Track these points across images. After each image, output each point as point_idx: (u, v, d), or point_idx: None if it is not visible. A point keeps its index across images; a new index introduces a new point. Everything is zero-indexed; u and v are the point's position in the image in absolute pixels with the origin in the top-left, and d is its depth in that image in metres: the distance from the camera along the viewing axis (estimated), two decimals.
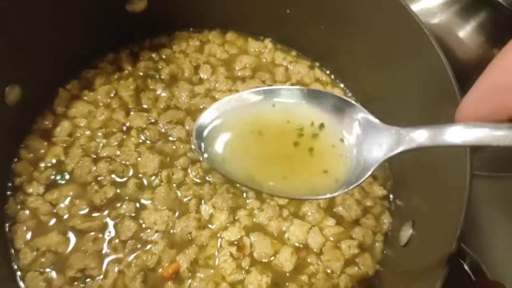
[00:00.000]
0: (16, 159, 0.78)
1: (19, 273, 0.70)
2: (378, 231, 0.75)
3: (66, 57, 0.81)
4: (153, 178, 0.77)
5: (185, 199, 0.75)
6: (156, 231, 0.73)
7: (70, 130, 0.80)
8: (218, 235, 0.73)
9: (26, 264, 0.70)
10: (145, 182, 0.77)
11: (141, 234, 0.72)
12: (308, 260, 0.73)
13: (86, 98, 0.84)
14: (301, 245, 0.73)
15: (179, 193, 0.76)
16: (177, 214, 0.74)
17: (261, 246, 0.72)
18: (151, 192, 0.76)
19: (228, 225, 0.74)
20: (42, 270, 0.70)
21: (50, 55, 0.77)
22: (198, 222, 0.73)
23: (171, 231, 0.73)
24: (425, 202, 0.68)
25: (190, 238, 0.72)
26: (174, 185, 0.76)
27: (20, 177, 0.76)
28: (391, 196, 0.78)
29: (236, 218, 0.75)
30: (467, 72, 0.95)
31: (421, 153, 0.69)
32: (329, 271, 0.72)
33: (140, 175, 0.77)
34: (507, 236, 0.83)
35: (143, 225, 0.73)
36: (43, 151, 0.79)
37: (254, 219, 0.75)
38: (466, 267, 0.58)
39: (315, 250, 0.73)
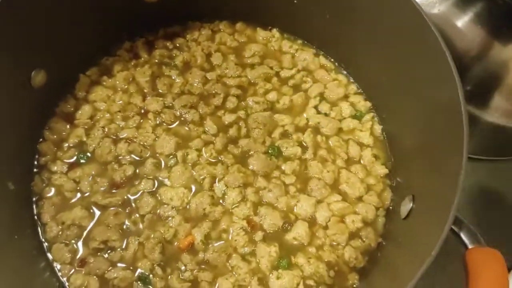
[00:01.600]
0: (40, 140, 0.83)
1: (46, 244, 0.76)
2: (380, 206, 0.80)
3: (86, 45, 0.86)
4: (169, 158, 0.82)
5: (200, 178, 0.80)
6: (173, 207, 0.78)
7: (90, 113, 0.86)
8: (230, 210, 0.78)
9: (52, 237, 0.76)
10: (162, 161, 0.82)
11: (159, 209, 0.78)
12: (316, 234, 0.78)
13: (105, 83, 0.89)
14: (310, 219, 0.78)
15: (194, 172, 0.81)
16: (192, 191, 0.79)
17: (271, 218, 0.77)
18: (167, 171, 0.81)
19: (239, 201, 0.79)
20: (67, 242, 0.75)
21: (72, 43, 0.82)
22: (211, 199, 0.78)
23: (187, 206, 0.78)
24: (424, 179, 0.72)
25: (204, 213, 0.78)
26: (189, 164, 0.81)
27: (44, 157, 0.82)
28: (392, 174, 0.83)
29: (247, 195, 0.79)
30: (465, 61, 1.00)
31: (419, 137, 0.76)
32: (334, 243, 0.77)
33: (157, 155, 0.82)
34: (502, 213, 0.88)
35: (161, 201, 0.78)
36: (65, 132, 0.84)
37: (263, 198, 0.80)
38: (462, 236, 0.62)
39: (322, 224, 0.78)
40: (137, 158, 0.82)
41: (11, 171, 0.74)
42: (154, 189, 0.79)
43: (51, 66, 0.80)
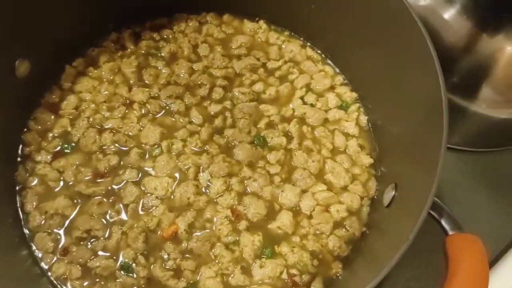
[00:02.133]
0: (25, 130, 0.83)
1: (28, 233, 0.76)
2: (365, 196, 0.80)
3: (72, 36, 0.86)
4: (154, 148, 0.82)
5: (184, 167, 0.80)
6: (157, 196, 0.78)
7: (76, 103, 0.85)
8: (215, 200, 0.78)
9: (35, 226, 0.76)
10: (146, 151, 0.81)
11: (143, 199, 0.77)
12: (301, 223, 0.77)
13: (91, 74, 0.89)
14: (294, 208, 0.78)
15: (178, 162, 0.80)
16: (176, 181, 0.79)
17: (255, 207, 0.77)
18: (152, 161, 0.80)
19: (224, 191, 0.79)
20: (50, 231, 0.75)
21: (58, 33, 0.82)
22: (196, 188, 0.78)
23: (171, 196, 0.78)
24: (406, 168, 0.72)
25: (188, 202, 0.77)
26: (174, 154, 0.81)
27: (29, 147, 0.82)
28: (377, 164, 0.83)
29: (231, 185, 0.79)
30: (453, 53, 1.00)
31: (403, 127, 0.76)
32: (318, 232, 0.77)
33: (142, 145, 0.82)
34: (486, 203, 0.88)
35: (145, 191, 0.78)
36: (50, 123, 0.84)
37: (248, 188, 0.80)
38: (443, 222, 0.62)
39: (306, 213, 0.78)
40: (122, 148, 0.81)
41: None
42: (138, 179, 0.79)
43: (35, 57, 0.80)
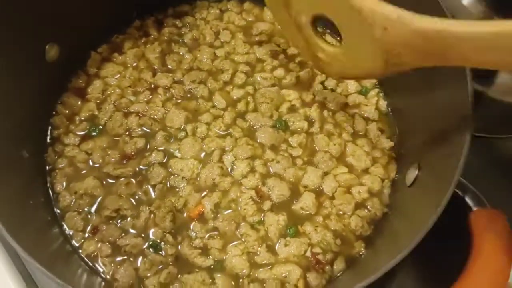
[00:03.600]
0: (54, 113, 0.85)
1: (59, 212, 0.78)
2: (385, 178, 0.82)
3: (98, 23, 0.89)
4: (179, 131, 0.84)
5: (209, 150, 0.82)
6: (183, 177, 0.80)
7: (102, 88, 0.88)
8: (239, 181, 0.80)
9: (65, 206, 0.78)
10: (172, 134, 0.83)
11: (169, 180, 0.79)
12: (323, 204, 0.79)
13: (115, 60, 0.91)
14: (317, 189, 0.80)
15: (203, 145, 0.82)
16: (201, 163, 0.81)
17: (279, 189, 0.78)
18: (177, 143, 0.82)
19: (248, 172, 0.80)
20: (79, 210, 0.77)
21: (84, 20, 0.85)
22: (221, 170, 0.80)
23: (197, 178, 0.80)
24: (429, 149, 0.74)
25: (213, 183, 0.79)
26: (199, 137, 0.83)
27: (57, 130, 0.84)
28: (397, 146, 0.84)
29: (255, 166, 0.81)
30: None
31: (425, 112, 0.76)
32: (341, 212, 0.78)
33: (168, 128, 0.84)
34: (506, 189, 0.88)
35: (171, 172, 0.80)
36: (77, 107, 0.86)
37: (271, 169, 0.81)
38: (467, 199, 0.63)
39: (328, 194, 0.79)
40: (147, 131, 0.83)
41: (25, 141, 0.77)
42: (164, 160, 0.81)
43: (64, 41, 0.82)
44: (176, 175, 0.80)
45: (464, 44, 0.46)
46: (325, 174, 0.81)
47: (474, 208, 0.63)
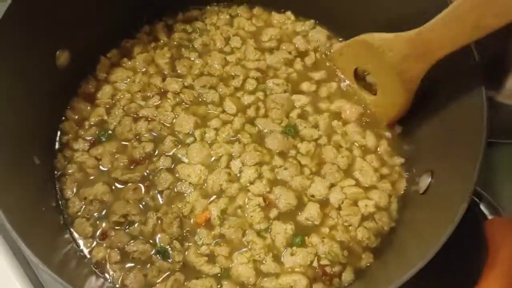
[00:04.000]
0: (63, 119, 0.85)
1: (69, 219, 0.78)
2: (393, 194, 0.80)
3: (108, 28, 0.89)
4: (188, 136, 0.83)
5: (217, 155, 0.81)
6: (190, 183, 0.79)
7: (111, 93, 0.88)
8: (247, 188, 0.79)
9: (75, 212, 0.78)
10: (180, 139, 0.83)
11: (176, 186, 0.79)
12: (330, 214, 0.78)
13: (125, 65, 0.91)
14: (323, 200, 0.79)
15: (211, 150, 0.82)
16: (209, 168, 0.81)
17: (285, 197, 0.78)
18: (185, 148, 0.82)
19: (255, 179, 0.80)
20: (88, 216, 0.78)
21: (94, 25, 0.85)
22: (228, 176, 0.79)
23: (204, 183, 0.79)
24: (442, 158, 0.73)
25: (221, 189, 0.79)
26: (207, 142, 0.83)
27: (67, 135, 0.84)
28: (408, 162, 0.83)
29: (263, 172, 0.80)
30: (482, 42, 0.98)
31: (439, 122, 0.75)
32: (347, 224, 0.77)
33: (176, 133, 0.84)
34: None
35: (178, 177, 0.80)
36: (87, 112, 0.86)
37: (278, 176, 0.81)
38: (482, 207, 0.62)
39: (335, 206, 0.78)
40: (156, 136, 0.83)
41: (36, 146, 0.77)
42: (172, 166, 0.81)
43: (74, 47, 0.82)
44: (183, 181, 0.79)
45: (435, 34, 0.64)
46: (332, 185, 0.80)
47: (490, 217, 0.61)
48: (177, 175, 0.80)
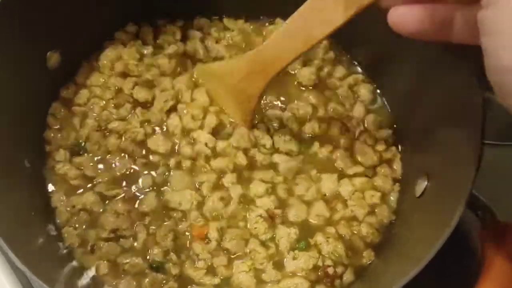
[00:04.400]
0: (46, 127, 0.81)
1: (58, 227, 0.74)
2: (393, 176, 0.81)
3: (92, 31, 0.85)
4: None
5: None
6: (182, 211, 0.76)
7: (87, 98, 0.84)
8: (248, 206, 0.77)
9: (64, 220, 0.74)
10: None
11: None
12: (336, 208, 0.78)
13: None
14: (333, 194, 0.79)
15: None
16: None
17: (296, 209, 0.77)
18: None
19: (261, 195, 0.77)
20: (76, 226, 0.74)
21: (81, 27, 0.81)
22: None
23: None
24: (438, 160, 0.73)
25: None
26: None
27: (49, 145, 0.80)
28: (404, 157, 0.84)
29: (271, 190, 0.78)
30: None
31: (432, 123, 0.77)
32: (352, 214, 0.77)
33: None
34: None
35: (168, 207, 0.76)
36: (66, 119, 0.82)
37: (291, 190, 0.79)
38: (478, 210, 0.63)
39: (345, 198, 0.79)
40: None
41: (27, 149, 0.75)
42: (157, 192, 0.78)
43: (65, 48, 0.80)
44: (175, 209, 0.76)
45: (272, 50, 0.69)
46: (340, 177, 0.80)
47: (485, 220, 0.63)
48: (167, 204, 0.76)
